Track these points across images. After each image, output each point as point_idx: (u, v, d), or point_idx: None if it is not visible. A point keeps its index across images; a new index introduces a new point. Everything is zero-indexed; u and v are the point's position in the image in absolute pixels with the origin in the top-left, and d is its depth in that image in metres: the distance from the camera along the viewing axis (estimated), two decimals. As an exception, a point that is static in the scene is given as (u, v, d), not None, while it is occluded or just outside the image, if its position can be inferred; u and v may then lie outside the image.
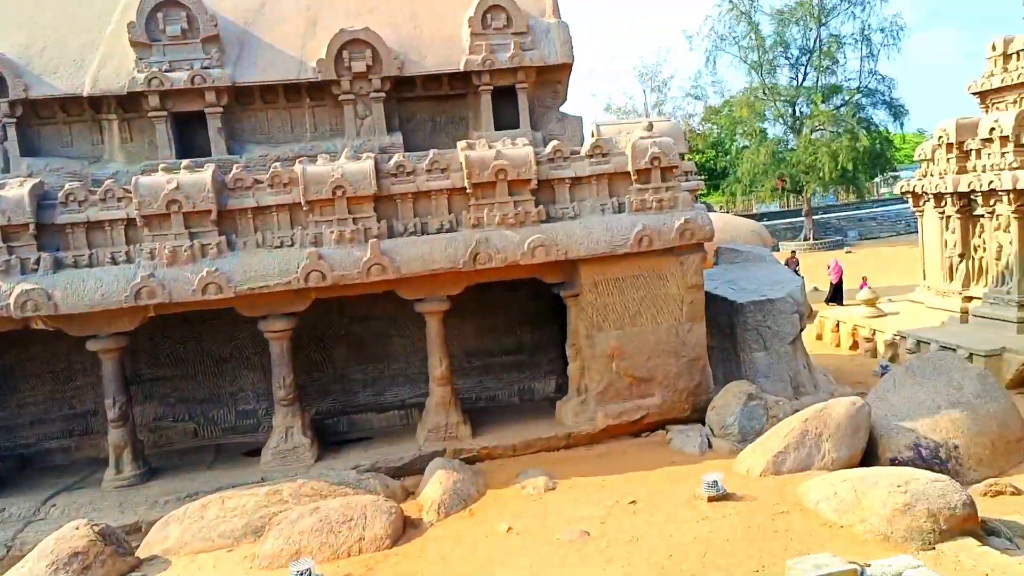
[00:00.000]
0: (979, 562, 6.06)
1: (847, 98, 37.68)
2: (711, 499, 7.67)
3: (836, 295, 21.32)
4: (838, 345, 16.91)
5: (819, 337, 17.71)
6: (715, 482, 7.80)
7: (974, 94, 15.06)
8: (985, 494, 8.44)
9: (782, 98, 38.06)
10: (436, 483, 8.14)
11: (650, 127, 9.96)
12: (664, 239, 9.57)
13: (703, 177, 48.85)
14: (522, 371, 11.28)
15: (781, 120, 38.82)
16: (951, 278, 15.10)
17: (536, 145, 9.93)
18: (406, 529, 7.50)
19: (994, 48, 14.51)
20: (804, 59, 38.21)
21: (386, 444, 9.68)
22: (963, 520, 6.60)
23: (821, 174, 35.84)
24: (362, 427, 10.51)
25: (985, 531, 6.98)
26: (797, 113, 38.34)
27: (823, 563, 5.01)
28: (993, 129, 13.55)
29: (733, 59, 39.75)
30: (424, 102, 10.72)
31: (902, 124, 38.62)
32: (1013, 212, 13.23)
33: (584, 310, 9.64)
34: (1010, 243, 13.50)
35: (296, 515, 7.30)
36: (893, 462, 8.94)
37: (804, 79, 38.48)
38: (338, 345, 10.68)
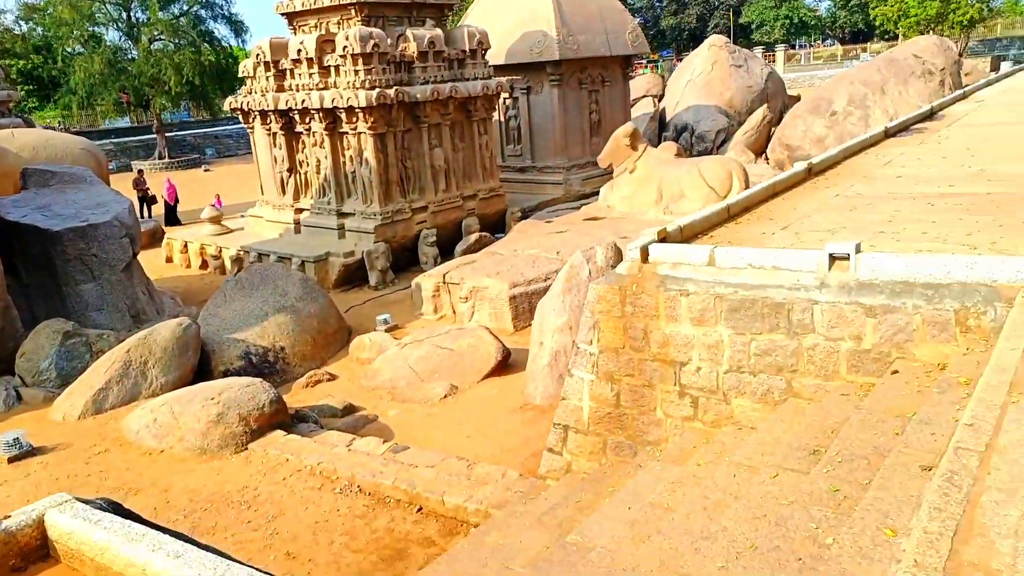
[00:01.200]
0: (283, 449, 6.69)
1: (186, 7, 36.46)
2: (12, 460, 6.67)
3: (172, 215, 21.05)
4: (188, 266, 16.68)
5: (169, 259, 17.19)
6: (16, 440, 6.81)
7: (283, 15, 15.81)
8: (306, 385, 9.44)
9: (113, 1, 34.65)
10: None
11: None
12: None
13: (30, 87, 41.99)
14: None
15: (116, 25, 35.45)
16: (284, 192, 16.12)
17: None
18: None
19: (297, -27, 15.42)
20: (136, -40, 35.32)
21: None
22: (272, 416, 7.17)
23: (167, 88, 34.33)
24: None
25: (297, 419, 7.74)
26: (133, 19, 35.50)
27: None
28: (300, 51, 14.58)
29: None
30: None
31: (244, 40, 39.44)
32: (324, 129, 14.64)
33: None
34: (326, 158, 14.97)
35: None
36: (226, 373, 9.21)
37: (138, -18, 35.71)
38: None
